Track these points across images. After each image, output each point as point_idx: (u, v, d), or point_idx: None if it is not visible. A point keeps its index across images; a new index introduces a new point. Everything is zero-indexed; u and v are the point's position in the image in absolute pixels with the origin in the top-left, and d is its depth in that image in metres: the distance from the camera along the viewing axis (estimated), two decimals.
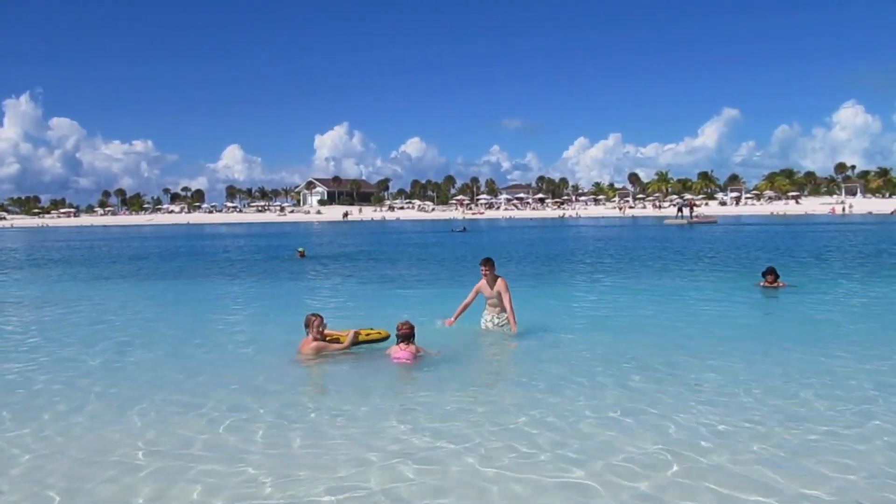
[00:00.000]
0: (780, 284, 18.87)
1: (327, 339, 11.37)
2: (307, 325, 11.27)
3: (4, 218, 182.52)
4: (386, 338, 11.71)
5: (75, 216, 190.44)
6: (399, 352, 10.87)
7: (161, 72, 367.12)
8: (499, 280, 13.40)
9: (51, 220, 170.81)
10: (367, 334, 11.75)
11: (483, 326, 13.49)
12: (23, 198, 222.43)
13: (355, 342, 11.49)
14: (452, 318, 13.55)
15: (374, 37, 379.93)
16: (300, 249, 35.77)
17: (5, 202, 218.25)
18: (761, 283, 19.15)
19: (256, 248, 46.53)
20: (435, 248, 44.82)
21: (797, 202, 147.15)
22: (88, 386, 9.73)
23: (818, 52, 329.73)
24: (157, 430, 7.72)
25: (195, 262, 35.50)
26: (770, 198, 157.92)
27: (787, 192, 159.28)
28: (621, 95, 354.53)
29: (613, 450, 6.90)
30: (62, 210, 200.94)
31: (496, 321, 13.37)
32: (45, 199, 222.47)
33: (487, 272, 13.36)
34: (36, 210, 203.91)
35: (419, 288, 21.97)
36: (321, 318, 11.36)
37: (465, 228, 70.89)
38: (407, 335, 10.95)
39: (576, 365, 10.59)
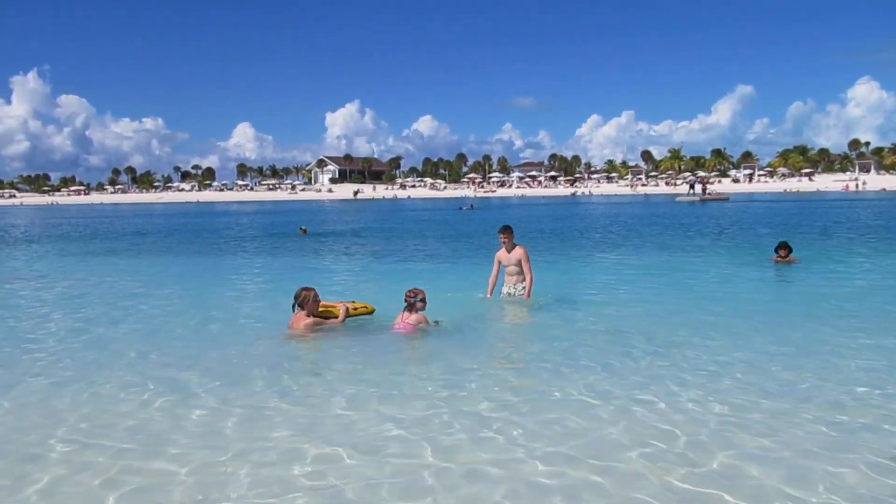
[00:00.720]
0: (793, 259, 18.32)
1: (325, 309, 10.90)
2: (300, 301, 10.56)
3: (14, 196, 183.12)
4: (371, 312, 11.44)
5: (85, 194, 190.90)
6: (400, 322, 10.58)
7: (171, 49, 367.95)
8: (517, 248, 13.38)
9: (60, 198, 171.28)
10: (355, 308, 11.33)
11: (503, 295, 13.44)
12: (32, 175, 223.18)
13: (347, 315, 11.02)
14: (488, 293, 13.50)
15: (385, 14, 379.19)
16: (302, 227, 35.63)
17: (15, 180, 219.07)
18: (773, 258, 18.58)
19: (260, 226, 46.27)
20: (440, 225, 44.49)
21: (810, 179, 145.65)
22: (50, 362, 9.31)
23: (833, 29, 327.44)
24: (91, 409, 7.29)
25: (194, 238, 35.34)
26: (783, 175, 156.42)
27: (801, 169, 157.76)
28: (634, 72, 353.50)
29: (614, 443, 6.28)
30: (72, 188, 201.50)
31: (514, 291, 13.35)
32: (55, 177, 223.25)
33: (506, 240, 13.34)
34: (46, 188, 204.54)
35: (414, 263, 21.77)
36: (315, 291, 10.72)
37: (472, 206, 70.26)
38: (410, 304, 10.58)
39: (581, 344, 9.85)
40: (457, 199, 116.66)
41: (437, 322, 10.79)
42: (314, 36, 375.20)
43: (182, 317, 12.53)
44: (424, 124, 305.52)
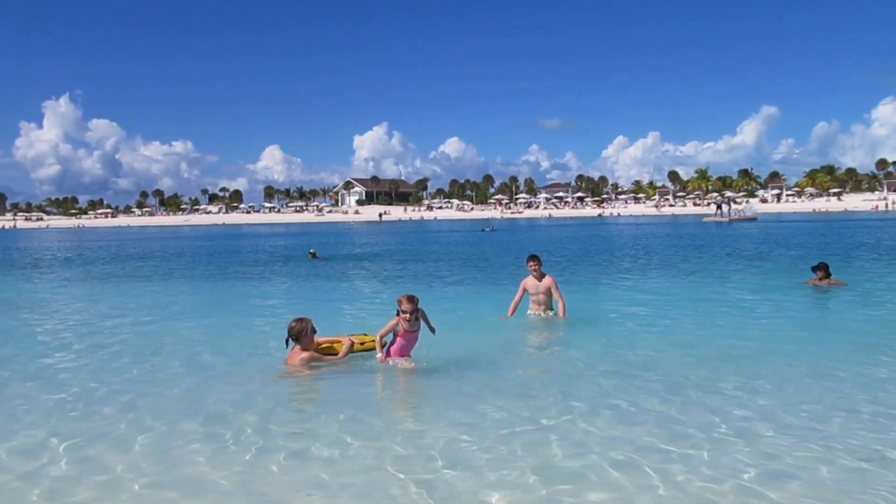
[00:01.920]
0: (834, 282, 17.14)
1: (321, 346, 9.85)
2: (293, 334, 9.50)
3: (42, 219, 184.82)
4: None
5: (112, 217, 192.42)
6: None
7: (201, 72, 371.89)
8: (546, 277, 13.49)
9: (87, 221, 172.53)
10: (362, 342, 10.16)
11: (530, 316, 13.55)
12: (61, 199, 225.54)
13: (351, 351, 9.93)
14: (509, 314, 13.45)
15: (413, 37, 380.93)
16: (311, 251, 34.33)
17: (44, 203, 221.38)
18: (811, 281, 17.42)
19: (274, 249, 45.09)
20: (458, 246, 43.64)
21: (839, 199, 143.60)
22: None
23: (857, 49, 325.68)
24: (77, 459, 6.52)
25: (200, 262, 34.39)
26: (811, 195, 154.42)
27: (829, 188, 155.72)
28: (660, 94, 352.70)
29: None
30: (99, 211, 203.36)
31: (543, 315, 13.44)
32: (83, 200, 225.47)
33: (535, 268, 13.41)
34: (73, 211, 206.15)
35: (421, 288, 20.32)
36: (309, 322, 9.59)
37: (493, 228, 69.76)
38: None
39: (603, 377, 9.09)
40: (484, 220, 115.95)
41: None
42: (343, 58, 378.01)
43: (162, 348, 11.62)
44: (451, 146, 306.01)
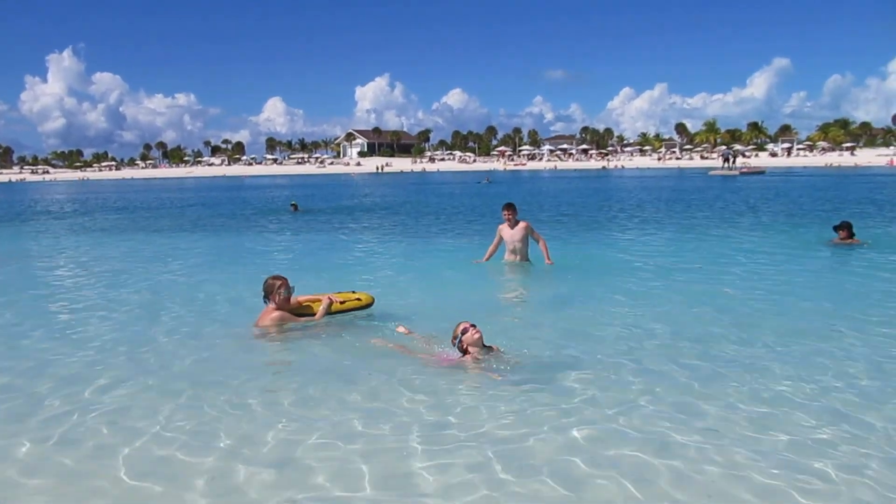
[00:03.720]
0: (855, 241, 15.76)
1: (301, 305, 9.04)
2: (267, 292, 8.83)
3: (48, 172, 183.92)
4: (368, 304, 9.35)
5: (116, 169, 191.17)
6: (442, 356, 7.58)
7: (204, 25, 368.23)
8: (520, 223, 13.23)
9: (91, 174, 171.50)
10: (343, 301, 9.21)
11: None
12: (66, 152, 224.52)
13: (329, 311, 9.04)
14: (483, 259, 13.47)
15: None
16: (293, 203, 33.63)
17: (49, 156, 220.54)
18: (833, 241, 16.01)
19: (262, 201, 43.94)
20: (451, 198, 42.62)
21: (852, 154, 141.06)
22: None
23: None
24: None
25: (183, 213, 33.71)
26: (823, 149, 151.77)
27: (842, 143, 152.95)
28: (668, 45, 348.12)
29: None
30: (104, 163, 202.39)
31: (517, 265, 13.17)
32: (88, 154, 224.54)
33: (510, 217, 13.16)
34: (78, 164, 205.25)
35: (397, 242, 19.77)
36: (286, 281, 8.88)
37: (489, 180, 70.02)
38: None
39: (604, 339, 8.30)
40: (486, 171, 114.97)
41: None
42: (345, 10, 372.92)
43: (125, 303, 10.97)
44: (454, 97, 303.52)
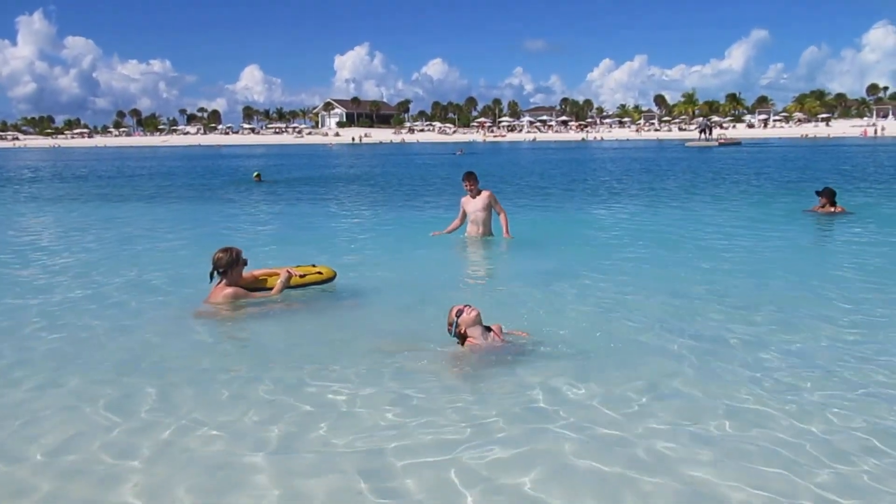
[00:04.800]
0: (838, 209, 15.45)
1: (257, 279, 8.42)
2: (217, 266, 8.08)
3: (18, 138, 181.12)
4: (330, 278, 8.80)
5: (89, 137, 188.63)
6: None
7: None
8: (483, 192, 12.66)
9: (64, 141, 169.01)
10: (303, 275, 8.60)
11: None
12: (37, 118, 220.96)
13: (287, 285, 8.41)
14: (445, 231, 12.90)
15: None
16: (256, 173, 32.58)
17: (19, 122, 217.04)
18: (814, 209, 15.65)
19: (230, 170, 43.34)
20: (424, 169, 42.42)
21: (827, 125, 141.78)
22: None
23: None
24: None
25: (143, 182, 33.15)
26: (799, 120, 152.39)
27: (817, 114, 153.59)
28: (648, 16, 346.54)
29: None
30: (76, 130, 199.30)
31: (479, 240, 12.60)
32: (60, 120, 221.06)
33: (471, 187, 12.63)
34: (49, 130, 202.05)
35: (361, 213, 19.26)
36: (238, 252, 8.15)
37: (463, 151, 70.45)
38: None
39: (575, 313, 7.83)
40: (466, 143, 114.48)
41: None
42: None
43: (73, 279, 10.23)
44: (434, 68, 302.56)
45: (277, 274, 8.48)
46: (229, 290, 8.05)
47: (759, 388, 5.47)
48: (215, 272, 8.12)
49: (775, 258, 11.18)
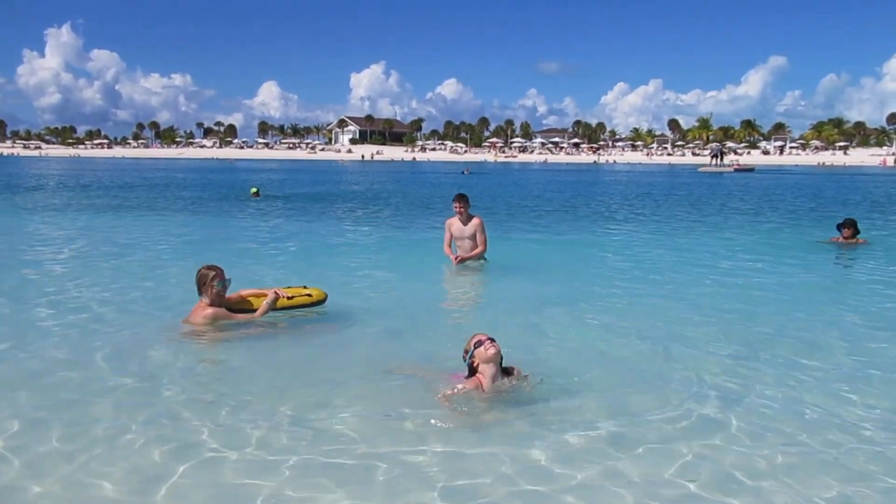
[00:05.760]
0: (860, 241, 15.05)
1: (243, 299, 8.13)
2: (200, 284, 7.82)
3: (40, 147, 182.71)
4: (320, 301, 8.46)
5: (108, 147, 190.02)
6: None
7: (203, 5, 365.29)
8: (474, 219, 12.02)
9: (84, 151, 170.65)
10: (290, 296, 8.25)
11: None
12: (60, 128, 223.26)
13: (274, 307, 8.10)
14: (454, 262, 12.02)
15: None
16: (254, 189, 31.70)
17: (43, 131, 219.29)
18: (836, 239, 15.24)
19: (233, 185, 42.90)
20: (429, 187, 42.14)
21: (845, 153, 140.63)
22: None
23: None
24: None
25: (141, 193, 32.90)
26: (816, 148, 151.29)
27: (835, 142, 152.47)
28: (664, 40, 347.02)
29: None
30: (96, 141, 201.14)
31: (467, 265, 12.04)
32: (82, 130, 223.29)
33: (462, 210, 11.95)
34: (71, 140, 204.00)
35: (358, 232, 18.95)
36: (221, 272, 7.83)
37: (469, 171, 69.99)
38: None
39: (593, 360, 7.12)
40: (477, 163, 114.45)
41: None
42: None
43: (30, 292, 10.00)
44: (448, 88, 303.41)
45: (265, 294, 8.17)
46: (209, 310, 7.78)
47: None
48: (200, 290, 7.87)
49: (799, 289, 10.86)
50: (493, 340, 5.71)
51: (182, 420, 5.35)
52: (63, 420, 5.29)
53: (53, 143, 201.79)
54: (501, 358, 5.75)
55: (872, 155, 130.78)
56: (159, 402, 5.71)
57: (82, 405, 5.61)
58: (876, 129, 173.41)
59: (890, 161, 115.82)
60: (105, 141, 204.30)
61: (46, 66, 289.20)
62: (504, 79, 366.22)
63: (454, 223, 12.08)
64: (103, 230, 18.21)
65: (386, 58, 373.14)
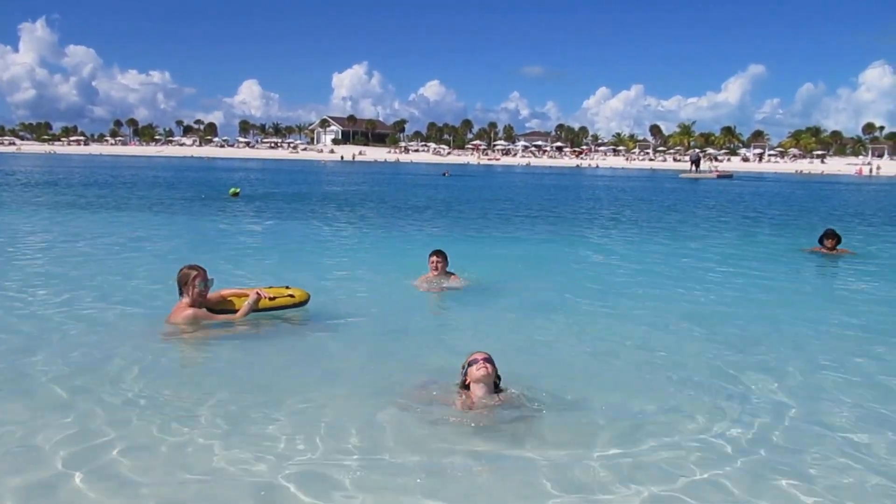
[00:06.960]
0: (844, 251, 15.01)
1: (224, 299, 8.08)
2: (182, 284, 7.79)
3: (14, 143, 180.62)
4: (302, 302, 8.38)
5: (85, 144, 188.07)
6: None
7: (181, 2, 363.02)
8: (453, 277, 10.39)
9: (60, 148, 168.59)
10: (272, 297, 8.20)
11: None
12: (35, 124, 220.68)
13: (255, 308, 8.07)
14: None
15: None
16: (233, 189, 31.07)
17: (17, 127, 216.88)
18: (817, 249, 15.12)
19: (213, 183, 42.54)
20: (408, 188, 42.17)
21: (822, 161, 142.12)
22: None
23: (847, 10, 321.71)
24: None
25: (125, 193, 32.29)
26: (794, 156, 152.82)
27: (812, 150, 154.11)
28: (646, 46, 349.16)
29: None
30: (72, 138, 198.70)
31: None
32: (58, 127, 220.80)
33: (438, 266, 10.30)
34: (46, 136, 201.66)
35: (340, 233, 18.67)
36: (203, 272, 7.79)
37: (448, 173, 70.32)
38: None
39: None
40: (461, 165, 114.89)
41: None
42: None
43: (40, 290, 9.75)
44: (431, 89, 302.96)
45: (247, 295, 8.13)
46: (189, 311, 7.74)
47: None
48: (181, 290, 7.82)
49: (788, 300, 10.75)
50: (488, 361, 5.68)
51: (159, 421, 5.26)
52: (38, 422, 5.22)
53: (28, 140, 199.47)
54: (499, 378, 5.74)
55: (849, 164, 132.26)
56: (134, 404, 5.61)
57: (59, 407, 5.50)
58: (852, 138, 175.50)
59: (866, 170, 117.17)
60: (82, 138, 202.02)
61: (20, 62, 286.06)
62: (487, 82, 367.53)
63: (428, 280, 10.44)
64: (79, 229, 17.94)
65: (368, 58, 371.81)
